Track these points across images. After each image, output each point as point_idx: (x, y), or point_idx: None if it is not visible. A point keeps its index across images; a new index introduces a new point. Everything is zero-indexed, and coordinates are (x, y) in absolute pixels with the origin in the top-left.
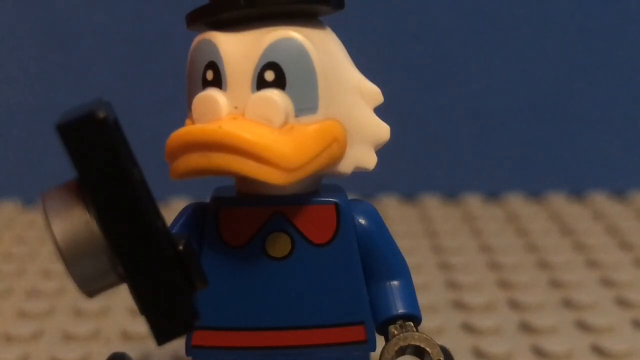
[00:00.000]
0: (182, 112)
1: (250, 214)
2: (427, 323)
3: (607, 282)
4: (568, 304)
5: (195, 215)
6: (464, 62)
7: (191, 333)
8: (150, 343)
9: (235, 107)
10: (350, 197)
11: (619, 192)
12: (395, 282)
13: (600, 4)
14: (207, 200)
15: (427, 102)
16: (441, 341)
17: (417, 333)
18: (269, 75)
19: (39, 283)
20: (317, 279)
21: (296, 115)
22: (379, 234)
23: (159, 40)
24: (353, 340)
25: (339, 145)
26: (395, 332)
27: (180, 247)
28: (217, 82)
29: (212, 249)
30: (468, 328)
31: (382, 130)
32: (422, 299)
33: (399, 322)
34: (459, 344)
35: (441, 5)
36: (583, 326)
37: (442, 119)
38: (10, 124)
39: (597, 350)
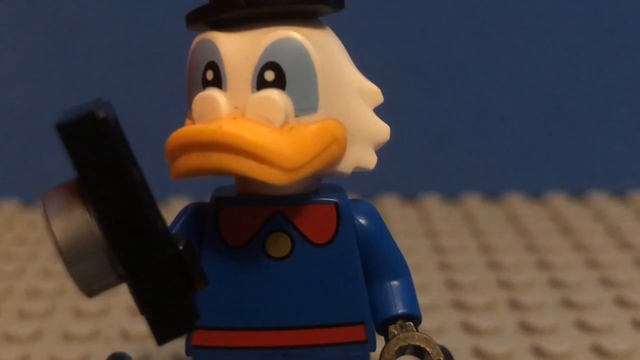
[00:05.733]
0: (182, 112)
1: (250, 214)
2: (427, 323)
3: (607, 282)
4: (568, 304)
5: (195, 215)
6: (465, 62)
7: (191, 333)
8: (150, 343)
9: (236, 107)
10: (350, 197)
11: (619, 192)
12: (395, 282)
13: (600, 4)
14: (207, 200)
15: (427, 102)
16: (441, 341)
17: (417, 333)
18: (269, 75)
19: (39, 283)
20: (317, 279)
21: (296, 115)
22: (379, 234)
23: (159, 40)
24: (353, 340)
25: (339, 145)
26: (395, 332)
27: (180, 247)
28: (217, 82)
29: (212, 249)
30: (468, 328)
31: (382, 130)
32: (422, 299)
33: (399, 322)
34: (459, 344)
35: (441, 5)
36: (583, 326)
37: (442, 119)
38: (10, 124)
39: (597, 350)
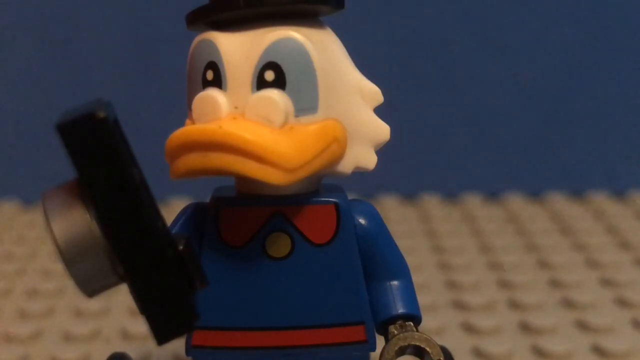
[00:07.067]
0: (182, 112)
1: (250, 214)
2: (427, 323)
3: (607, 282)
4: (568, 304)
5: (195, 215)
6: (464, 62)
7: (191, 333)
8: (150, 343)
9: (236, 107)
10: (350, 197)
11: (619, 192)
12: (395, 282)
13: (599, 4)
14: (207, 200)
15: (427, 102)
16: (441, 341)
17: (417, 333)
18: (269, 75)
19: (39, 283)
20: (317, 279)
21: (296, 115)
22: (379, 234)
23: (159, 40)
24: (353, 340)
25: (339, 145)
26: (395, 332)
27: (180, 247)
28: (217, 82)
29: (212, 249)
30: (468, 328)
31: (382, 130)
32: (422, 299)
33: (399, 322)
34: (459, 344)
35: (441, 5)
36: (583, 326)
37: (442, 119)
38: (10, 124)
39: (597, 350)
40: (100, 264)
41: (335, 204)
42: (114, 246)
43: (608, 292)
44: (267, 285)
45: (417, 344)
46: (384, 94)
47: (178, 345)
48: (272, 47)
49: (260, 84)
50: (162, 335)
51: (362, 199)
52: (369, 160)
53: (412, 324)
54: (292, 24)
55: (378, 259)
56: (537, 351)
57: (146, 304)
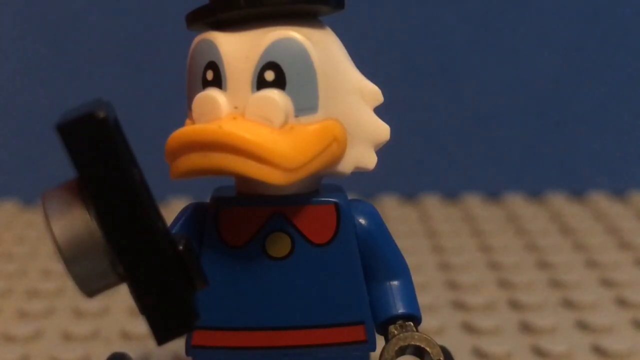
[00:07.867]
0: (182, 112)
1: (250, 214)
2: (427, 323)
3: (607, 282)
4: (568, 304)
5: (195, 215)
6: (464, 62)
7: (191, 333)
8: (150, 343)
9: (235, 107)
10: (350, 197)
11: (619, 192)
12: (395, 282)
13: (599, 4)
14: (207, 200)
15: (427, 102)
16: (441, 341)
17: (417, 333)
18: (269, 75)
19: (39, 283)
20: (317, 279)
21: (296, 115)
22: (379, 233)
23: (159, 40)
24: (353, 340)
25: (339, 145)
26: (395, 332)
27: (180, 247)
28: (217, 82)
29: (212, 249)
30: (468, 328)
31: (382, 130)
32: (422, 299)
33: (399, 322)
34: (459, 344)
35: (441, 5)
36: (583, 326)
37: (442, 119)
38: (10, 124)
39: (597, 350)
40: (100, 263)
41: (335, 204)
42: (114, 246)
43: (608, 292)
44: (267, 285)
45: (417, 344)
46: (384, 94)
47: (178, 345)
48: (272, 47)
49: (260, 83)
50: (162, 335)
51: (362, 199)
52: (369, 160)
53: (412, 324)
54: (292, 24)
55: (378, 259)
56: (537, 351)
57: (146, 304)
